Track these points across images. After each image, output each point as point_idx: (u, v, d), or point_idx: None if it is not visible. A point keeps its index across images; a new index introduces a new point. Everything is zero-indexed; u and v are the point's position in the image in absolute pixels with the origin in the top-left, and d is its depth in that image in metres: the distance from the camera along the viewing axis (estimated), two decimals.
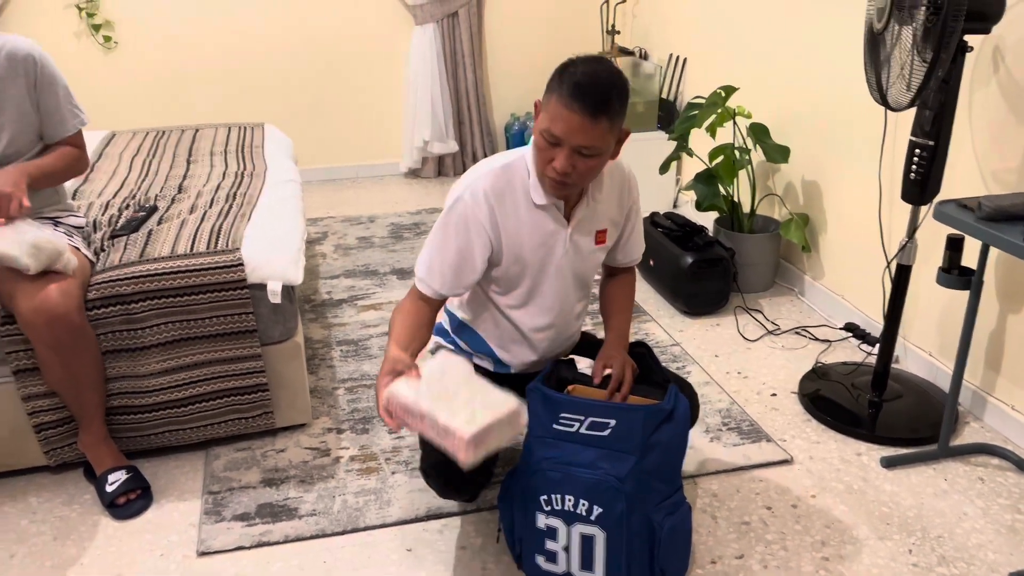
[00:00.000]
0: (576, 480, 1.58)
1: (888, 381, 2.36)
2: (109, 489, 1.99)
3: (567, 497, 1.59)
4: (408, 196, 4.29)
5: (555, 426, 1.64)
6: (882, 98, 2.04)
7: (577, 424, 1.62)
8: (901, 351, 2.58)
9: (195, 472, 2.13)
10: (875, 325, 2.69)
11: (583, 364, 1.84)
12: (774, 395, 2.46)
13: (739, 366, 2.63)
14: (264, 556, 1.85)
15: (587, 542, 1.60)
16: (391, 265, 3.38)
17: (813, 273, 3.04)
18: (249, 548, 1.87)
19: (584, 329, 1.98)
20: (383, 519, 1.94)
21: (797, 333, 2.83)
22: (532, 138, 1.63)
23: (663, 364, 1.83)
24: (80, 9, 3.89)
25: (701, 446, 2.20)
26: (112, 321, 1.98)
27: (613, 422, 1.59)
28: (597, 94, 1.46)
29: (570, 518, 1.60)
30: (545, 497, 1.61)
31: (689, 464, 2.12)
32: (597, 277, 1.91)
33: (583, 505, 1.58)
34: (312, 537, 1.90)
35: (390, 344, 1.61)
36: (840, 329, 2.81)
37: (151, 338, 2.01)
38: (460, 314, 1.87)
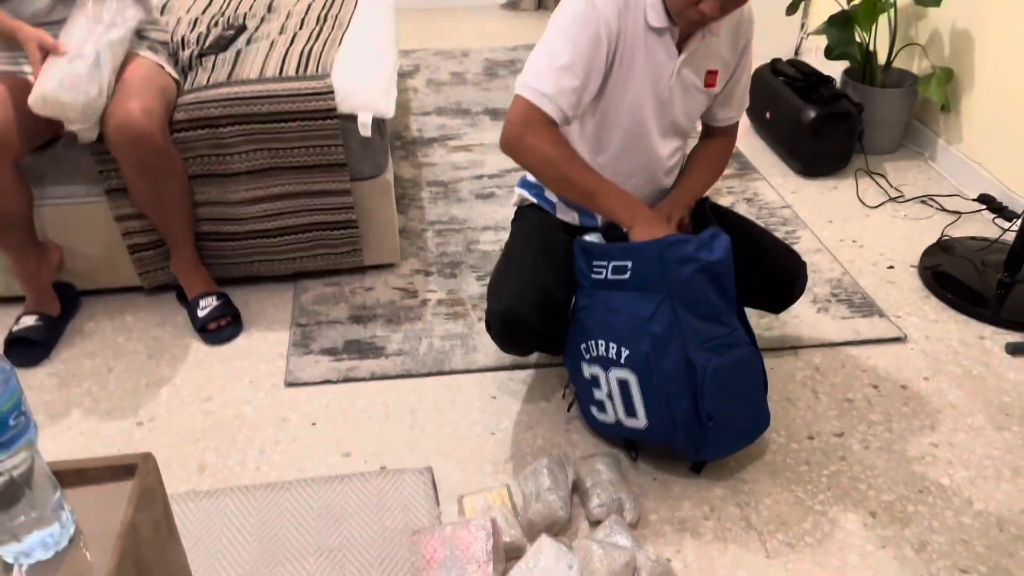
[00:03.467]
0: (607, 324, 1.52)
1: None
2: (200, 314, 2.01)
3: (599, 342, 1.53)
4: (505, 30, 4.04)
5: (592, 275, 1.56)
6: None
7: (604, 270, 1.53)
8: None
9: (284, 304, 2.13)
10: (1015, 199, 2.42)
11: None
12: (891, 267, 2.27)
13: (855, 234, 2.42)
14: (350, 391, 1.85)
15: (624, 387, 1.53)
16: (484, 104, 3.21)
17: (948, 136, 2.73)
18: (336, 382, 1.87)
19: None
20: (468, 365, 1.91)
21: (923, 202, 2.58)
22: None
23: (766, 227, 1.67)
24: None
25: (806, 317, 2.06)
26: (201, 145, 1.91)
27: (630, 263, 1.49)
28: None
29: (606, 363, 1.54)
30: (584, 345, 1.56)
31: (790, 335, 2.00)
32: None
33: (613, 348, 1.51)
34: (398, 376, 1.88)
35: (607, 191, 1.50)
36: (973, 200, 2.55)
37: (240, 165, 1.95)
38: None
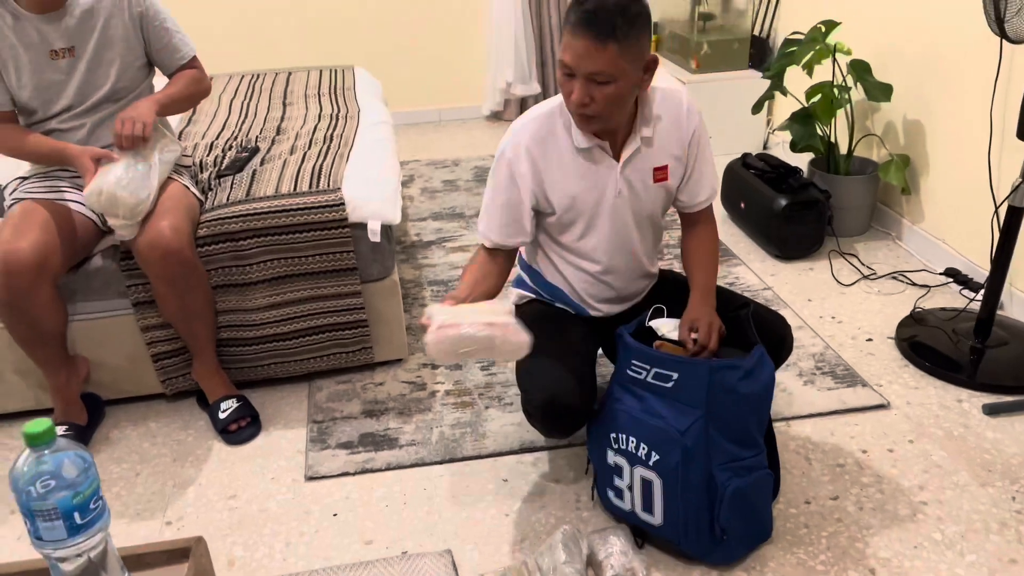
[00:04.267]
0: (639, 424, 1.61)
1: (992, 328, 2.29)
2: (222, 416, 2.11)
3: (630, 438, 1.62)
4: (491, 139, 4.30)
5: (628, 371, 1.66)
6: (1000, 29, 1.94)
7: (644, 372, 1.63)
8: (1007, 298, 2.48)
9: (300, 403, 2.24)
10: (977, 270, 2.60)
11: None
12: (870, 340, 2.42)
13: (833, 311, 2.58)
14: (368, 482, 1.94)
15: (647, 485, 1.62)
16: (476, 208, 3.41)
17: (912, 217, 2.93)
18: (354, 474, 1.96)
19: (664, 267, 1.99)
20: (479, 451, 2.01)
21: (894, 278, 2.75)
22: None
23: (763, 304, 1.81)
24: None
25: (794, 390, 2.19)
26: (222, 257, 2.07)
27: (676, 375, 1.58)
28: (603, 19, 1.47)
29: (632, 459, 1.63)
30: (614, 435, 1.65)
31: (781, 408, 2.12)
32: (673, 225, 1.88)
33: (643, 449, 1.60)
34: (412, 465, 1.98)
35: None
36: (940, 274, 2.72)
37: (258, 274, 2.10)
38: (531, 264, 1.90)
